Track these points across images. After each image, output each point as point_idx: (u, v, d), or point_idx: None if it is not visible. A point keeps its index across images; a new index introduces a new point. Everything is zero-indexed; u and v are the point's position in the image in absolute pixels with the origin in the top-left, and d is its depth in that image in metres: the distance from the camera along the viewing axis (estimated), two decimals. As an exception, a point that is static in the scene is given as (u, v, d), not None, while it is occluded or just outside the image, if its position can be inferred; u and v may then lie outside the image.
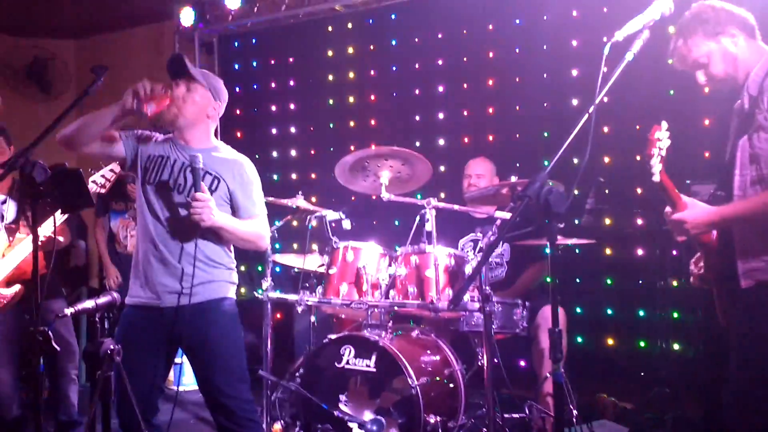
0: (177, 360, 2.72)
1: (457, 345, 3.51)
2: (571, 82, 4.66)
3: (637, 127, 4.45)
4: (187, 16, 5.87)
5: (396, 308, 3.31)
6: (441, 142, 5.29)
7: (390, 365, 3.03)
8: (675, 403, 3.76)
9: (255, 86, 6.22)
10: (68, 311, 2.07)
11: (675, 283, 4.12)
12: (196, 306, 2.50)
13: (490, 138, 5.02)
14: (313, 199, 4.23)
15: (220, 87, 2.68)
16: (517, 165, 4.73)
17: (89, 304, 2.10)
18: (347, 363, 3.13)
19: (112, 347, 2.03)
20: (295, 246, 4.56)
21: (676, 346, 4.08)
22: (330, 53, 5.79)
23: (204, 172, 2.52)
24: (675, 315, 4.21)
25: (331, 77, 5.80)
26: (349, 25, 5.63)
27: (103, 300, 2.12)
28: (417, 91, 5.41)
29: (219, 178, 2.58)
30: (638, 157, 4.42)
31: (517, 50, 4.93)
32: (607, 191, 3.84)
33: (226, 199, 2.60)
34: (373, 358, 3.08)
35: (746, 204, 2.09)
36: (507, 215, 3.25)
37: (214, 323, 2.55)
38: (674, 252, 4.15)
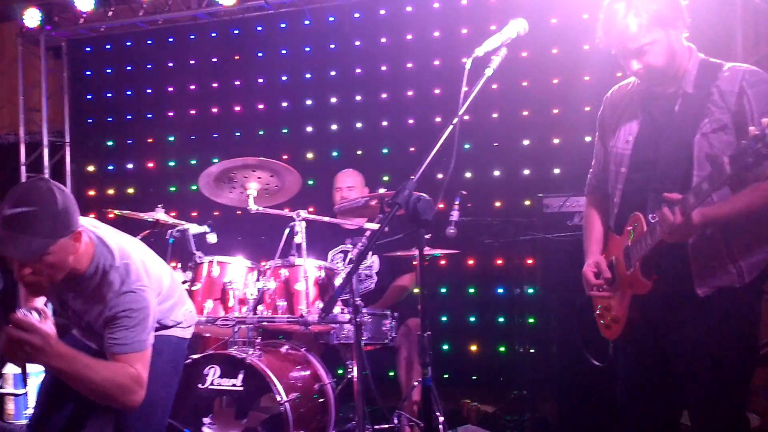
0: (18, 390, 2.43)
1: (327, 358, 3.47)
2: (435, 99, 4.85)
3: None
4: (31, 17, 5.46)
5: (265, 324, 3.22)
6: (309, 155, 5.27)
7: (258, 383, 2.93)
8: (532, 405, 3.97)
9: (108, 94, 5.85)
10: None
11: (530, 291, 4.39)
12: None
13: (359, 152, 5.08)
14: (173, 214, 4.02)
15: (66, 210, 1.97)
16: (385, 179, 4.82)
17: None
18: (212, 383, 2.99)
19: None
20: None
21: (532, 350, 4.32)
22: (192, 62, 5.59)
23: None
24: (531, 320, 4.47)
25: (193, 86, 5.59)
26: (213, 34, 5.48)
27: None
28: (285, 104, 5.36)
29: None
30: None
31: (384, 68, 5.06)
32: (469, 204, 4.00)
33: None
34: (240, 376, 2.96)
35: (735, 204, 1.95)
36: (377, 226, 3.28)
37: None
38: (528, 261, 4.43)
